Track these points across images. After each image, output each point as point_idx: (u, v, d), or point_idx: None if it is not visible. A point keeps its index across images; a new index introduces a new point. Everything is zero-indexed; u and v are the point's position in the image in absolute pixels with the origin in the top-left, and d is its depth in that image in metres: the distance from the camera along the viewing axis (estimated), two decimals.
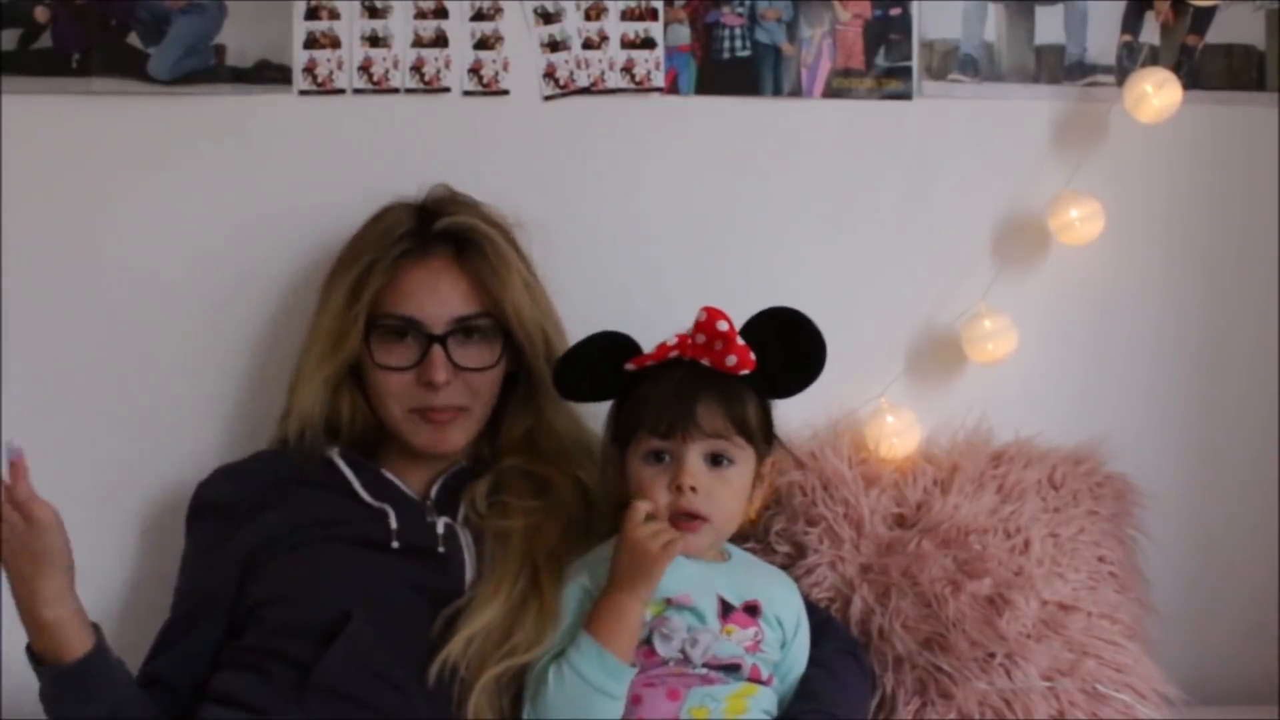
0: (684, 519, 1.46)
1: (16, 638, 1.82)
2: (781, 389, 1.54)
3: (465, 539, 1.58)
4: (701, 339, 1.48)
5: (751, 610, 1.49)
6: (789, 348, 1.51)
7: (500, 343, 1.64)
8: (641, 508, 1.44)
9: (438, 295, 1.61)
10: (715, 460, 1.47)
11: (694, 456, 1.46)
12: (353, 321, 1.60)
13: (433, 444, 1.62)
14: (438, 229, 1.65)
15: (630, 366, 1.51)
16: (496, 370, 1.64)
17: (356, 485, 1.60)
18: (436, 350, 1.59)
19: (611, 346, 1.52)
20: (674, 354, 1.49)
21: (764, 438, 1.52)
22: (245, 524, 1.58)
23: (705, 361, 1.48)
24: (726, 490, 1.48)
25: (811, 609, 1.59)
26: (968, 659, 1.62)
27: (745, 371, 1.48)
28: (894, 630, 1.65)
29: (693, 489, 1.45)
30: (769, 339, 1.50)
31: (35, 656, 1.45)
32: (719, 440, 1.47)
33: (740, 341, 1.48)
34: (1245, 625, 1.97)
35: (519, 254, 1.67)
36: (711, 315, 1.48)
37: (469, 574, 1.55)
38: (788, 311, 1.52)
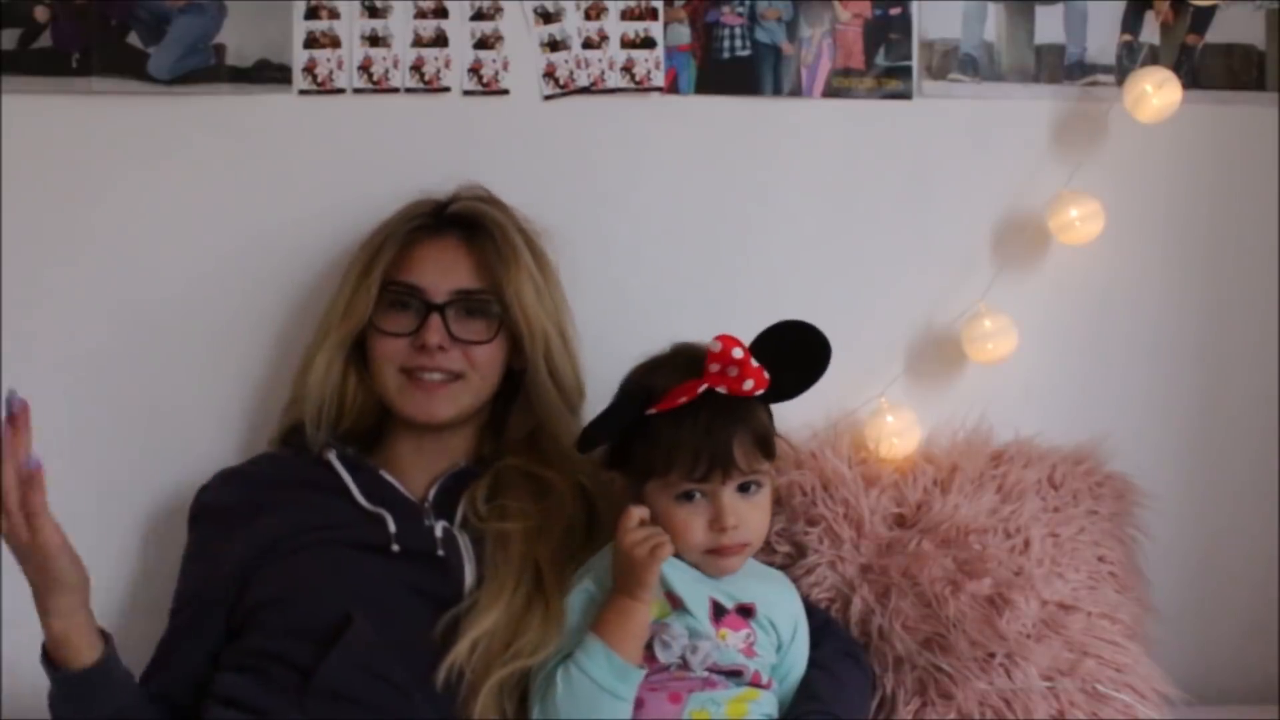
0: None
1: (16, 638, 1.82)
2: (786, 394, 1.52)
3: (464, 542, 1.57)
4: (716, 368, 1.45)
5: (745, 612, 1.49)
6: (797, 360, 1.50)
7: (499, 326, 1.65)
8: (635, 514, 1.44)
9: (441, 267, 1.65)
10: (744, 487, 1.48)
11: (729, 494, 1.46)
12: (365, 291, 1.64)
13: (421, 410, 1.63)
14: (451, 211, 1.70)
15: (653, 412, 1.47)
16: (494, 347, 1.65)
17: (354, 489, 1.60)
18: (434, 317, 1.62)
19: (628, 400, 1.50)
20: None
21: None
22: (244, 527, 1.58)
23: (721, 389, 1.46)
24: (758, 513, 1.49)
25: (811, 611, 1.59)
26: (968, 659, 1.62)
27: (760, 391, 1.47)
28: (894, 630, 1.65)
29: (735, 527, 1.46)
30: (779, 354, 1.48)
31: (47, 656, 1.46)
32: (752, 474, 1.47)
33: (754, 363, 1.45)
34: (1245, 625, 1.97)
35: (535, 256, 1.68)
36: (727, 344, 1.45)
37: (469, 578, 1.55)
38: (796, 326, 1.50)
